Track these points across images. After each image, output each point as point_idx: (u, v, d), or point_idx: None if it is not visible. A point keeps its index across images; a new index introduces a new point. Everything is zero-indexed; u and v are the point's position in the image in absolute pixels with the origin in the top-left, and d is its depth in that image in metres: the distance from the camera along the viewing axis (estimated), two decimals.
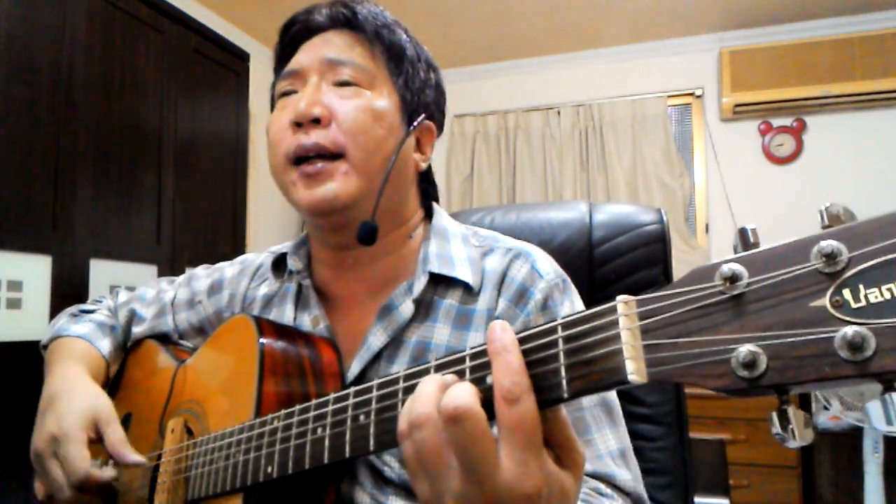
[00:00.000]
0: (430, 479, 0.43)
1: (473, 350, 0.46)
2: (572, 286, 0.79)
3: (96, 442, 0.78)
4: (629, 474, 0.68)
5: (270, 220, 3.41)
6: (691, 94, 3.49)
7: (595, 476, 0.67)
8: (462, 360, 0.46)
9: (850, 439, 2.54)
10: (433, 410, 0.43)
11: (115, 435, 0.78)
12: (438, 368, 0.48)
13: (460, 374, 0.46)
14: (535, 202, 3.22)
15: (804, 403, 2.68)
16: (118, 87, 2.30)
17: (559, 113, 3.62)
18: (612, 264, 1.10)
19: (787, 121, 3.29)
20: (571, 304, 0.77)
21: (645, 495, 0.69)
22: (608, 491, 0.66)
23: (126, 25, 2.32)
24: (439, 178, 3.85)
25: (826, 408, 2.35)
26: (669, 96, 3.48)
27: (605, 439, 0.69)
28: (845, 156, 3.19)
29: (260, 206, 3.21)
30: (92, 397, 0.82)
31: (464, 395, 0.41)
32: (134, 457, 0.76)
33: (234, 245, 2.83)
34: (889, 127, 3.14)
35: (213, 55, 2.70)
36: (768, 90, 3.16)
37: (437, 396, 0.43)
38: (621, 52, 3.56)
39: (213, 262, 1.03)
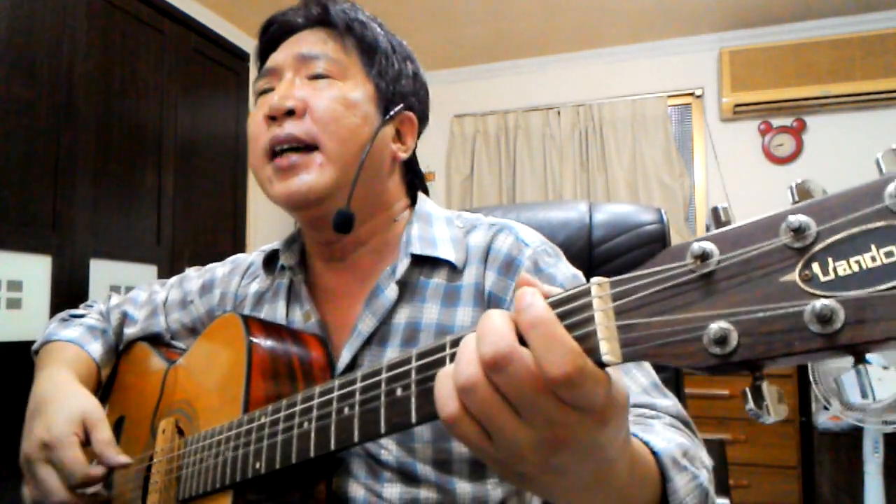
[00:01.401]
0: (498, 442, 0.40)
1: (453, 338, 0.46)
2: (561, 252, 0.80)
3: (85, 444, 0.78)
4: (669, 400, 0.67)
5: (270, 220, 3.42)
6: (691, 94, 3.48)
7: (636, 405, 0.66)
8: (442, 348, 0.46)
9: (850, 439, 2.53)
10: (479, 368, 0.39)
11: (102, 436, 0.78)
12: (419, 357, 0.48)
13: (441, 363, 0.46)
14: (536, 202, 3.23)
15: (804, 403, 2.67)
16: (118, 87, 2.30)
17: (559, 113, 3.63)
18: (612, 264, 1.10)
19: (787, 121, 3.29)
20: (566, 265, 0.77)
21: (687, 415, 0.67)
22: (653, 413, 0.65)
23: (126, 25, 2.32)
24: (439, 178, 3.86)
25: (826, 408, 2.34)
26: (669, 96, 3.48)
27: (634, 380, 0.68)
28: (845, 156, 3.19)
29: (260, 206, 3.22)
30: (80, 400, 0.82)
31: (499, 335, 0.38)
32: (119, 458, 0.76)
33: (234, 245, 2.84)
34: (889, 127, 3.14)
35: (213, 55, 2.70)
36: (768, 90, 3.16)
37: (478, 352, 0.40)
38: (621, 52, 3.56)
39: (213, 262, 1.04)
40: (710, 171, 3.42)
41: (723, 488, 1.41)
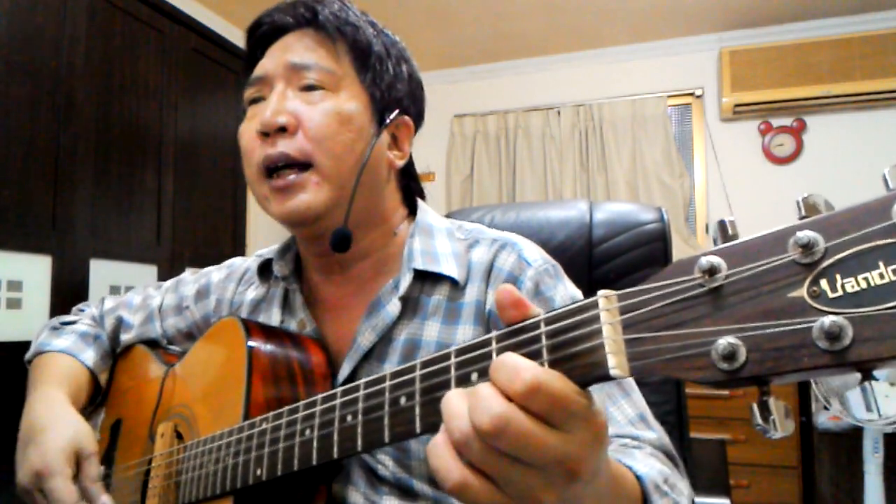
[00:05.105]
0: (511, 493, 0.39)
1: (458, 349, 0.46)
2: (562, 271, 0.78)
3: (75, 476, 0.77)
4: (653, 433, 0.67)
5: (270, 220, 3.39)
6: (691, 94, 3.48)
7: (620, 436, 0.66)
8: (447, 357, 0.46)
9: (850, 439, 2.54)
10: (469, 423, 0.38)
11: (91, 472, 0.77)
12: (423, 366, 0.48)
13: (446, 371, 0.46)
14: (536, 202, 3.23)
15: (804, 403, 2.67)
16: (118, 87, 2.30)
17: (559, 113, 3.62)
18: (612, 263, 1.09)
19: (787, 121, 3.29)
20: (564, 287, 0.76)
21: (672, 448, 0.67)
22: (635, 444, 0.65)
23: (126, 25, 2.32)
24: (439, 178, 3.86)
25: (826, 408, 2.34)
26: (669, 96, 3.47)
27: (621, 410, 0.68)
28: (845, 156, 3.19)
29: (260, 207, 3.20)
30: (73, 429, 0.80)
31: (492, 403, 0.37)
32: (102, 499, 0.76)
33: (233, 245, 2.83)
34: (889, 127, 3.14)
35: (213, 55, 2.70)
36: (768, 90, 3.15)
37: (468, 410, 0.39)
38: (621, 52, 3.56)
39: (214, 263, 1.03)
40: (710, 171, 3.42)
41: (723, 488, 1.41)
